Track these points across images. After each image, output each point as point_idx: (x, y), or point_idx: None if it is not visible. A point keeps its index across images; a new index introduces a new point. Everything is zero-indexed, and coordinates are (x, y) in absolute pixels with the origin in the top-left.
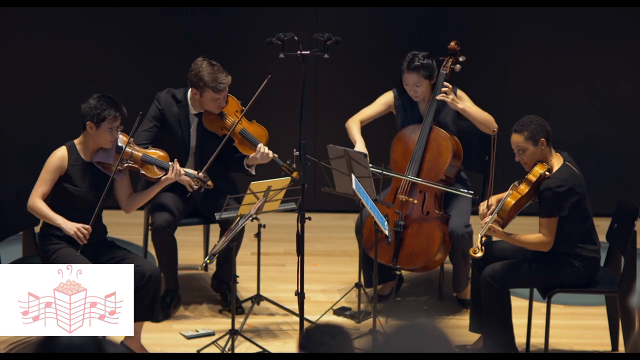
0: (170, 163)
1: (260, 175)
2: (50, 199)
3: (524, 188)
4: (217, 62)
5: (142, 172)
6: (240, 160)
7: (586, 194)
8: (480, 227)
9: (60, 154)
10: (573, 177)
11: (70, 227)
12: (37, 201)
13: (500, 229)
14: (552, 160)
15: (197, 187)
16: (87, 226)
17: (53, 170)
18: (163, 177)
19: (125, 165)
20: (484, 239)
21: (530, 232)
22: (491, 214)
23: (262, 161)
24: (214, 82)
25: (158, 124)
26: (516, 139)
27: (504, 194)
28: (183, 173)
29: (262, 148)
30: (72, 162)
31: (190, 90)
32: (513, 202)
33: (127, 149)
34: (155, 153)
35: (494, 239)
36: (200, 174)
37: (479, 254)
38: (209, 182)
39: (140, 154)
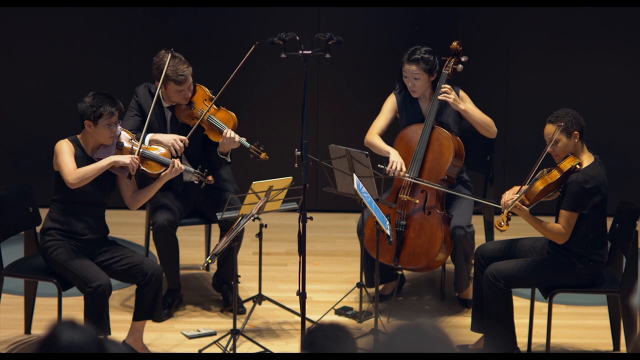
0: (170, 159)
1: (234, 160)
2: (54, 193)
3: (554, 175)
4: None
5: (143, 168)
6: (214, 152)
7: (607, 197)
8: (507, 204)
9: (66, 142)
10: (600, 176)
11: (123, 157)
12: (77, 170)
13: (525, 208)
14: (583, 156)
15: (197, 182)
16: (136, 157)
17: (69, 152)
18: (163, 173)
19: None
20: (510, 214)
21: (535, 232)
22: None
23: (230, 146)
24: (174, 74)
25: (137, 112)
26: (550, 129)
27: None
28: (183, 169)
29: (228, 132)
30: (78, 154)
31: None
32: (542, 187)
33: (127, 145)
34: (156, 149)
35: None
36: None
37: (504, 228)
38: (210, 178)
39: (141, 150)
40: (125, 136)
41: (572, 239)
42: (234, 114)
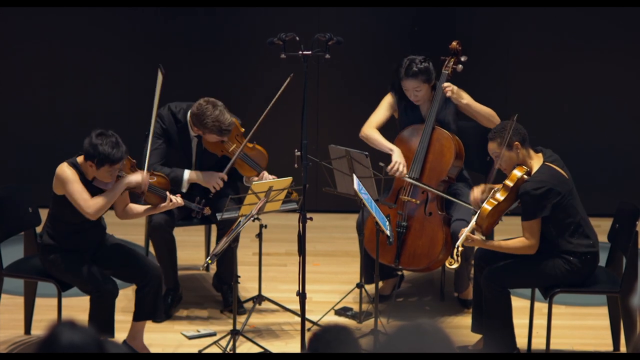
0: (167, 193)
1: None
2: (53, 214)
3: (501, 194)
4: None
5: (144, 198)
6: (239, 176)
7: (571, 192)
8: (458, 237)
9: (67, 167)
10: (552, 177)
11: (135, 177)
12: (93, 202)
13: (478, 237)
14: (532, 162)
15: (194, 216)
16: (146, 174)
17: (76, 179)
18: (161, 205)
19: (127, 190)
20: (460, 249)
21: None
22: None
23: None
24: (218, 130)
25: (164, 139)
26: (491, 146)
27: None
28: (182, 204)
29: (265, 175)
30: (80, 179)
31: (189, 115)
32: (489, 208)
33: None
34: (157, 180)
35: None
36: (200, 207)
37: (454, 266)
38: (206, 210)
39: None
40: (126, 166)
41: (551, 241)
42: (265, 151)
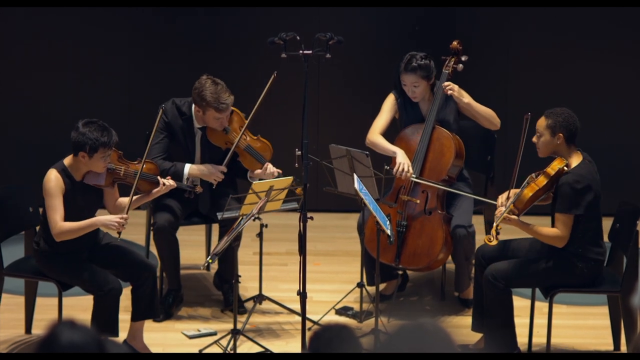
0: (159, 177)
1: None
2: (44, 223)
3: (542, 180)
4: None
5: (135, 187)
6: (242, 171)
7: (600, 195)
8: (496, 216)
9: (54, 176)
10: (591, 174)
11: (109, 219)
12: (62, 225)
13: (516, 217)
14: (572, 157)
15: (187, 196)
16: (124, 215)
17: (57, 194)
18: (154, 191)
19: (118, 183)
20: (499, 227)
21: None
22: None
23: (266, 178)
24: (216, 102)
25: (167, 133)
26: (540, 121)
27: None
28: (175, 185)
29: (269, 167)
30: (67, 187)
31: (193, 105)
32: (530, 194)
33: (117, 169)
34: (147, 167)
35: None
36: (191, 184)
37: (494, 242)
38: (197, 188)
39: (132, 171)
40: (114, 157)
41: (570, 241)
42: (269, 143)
